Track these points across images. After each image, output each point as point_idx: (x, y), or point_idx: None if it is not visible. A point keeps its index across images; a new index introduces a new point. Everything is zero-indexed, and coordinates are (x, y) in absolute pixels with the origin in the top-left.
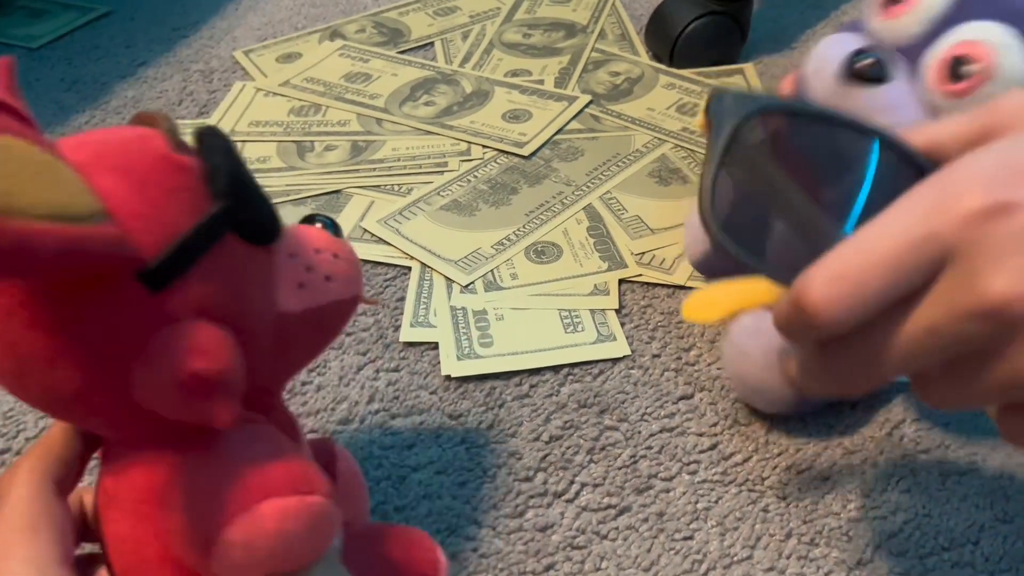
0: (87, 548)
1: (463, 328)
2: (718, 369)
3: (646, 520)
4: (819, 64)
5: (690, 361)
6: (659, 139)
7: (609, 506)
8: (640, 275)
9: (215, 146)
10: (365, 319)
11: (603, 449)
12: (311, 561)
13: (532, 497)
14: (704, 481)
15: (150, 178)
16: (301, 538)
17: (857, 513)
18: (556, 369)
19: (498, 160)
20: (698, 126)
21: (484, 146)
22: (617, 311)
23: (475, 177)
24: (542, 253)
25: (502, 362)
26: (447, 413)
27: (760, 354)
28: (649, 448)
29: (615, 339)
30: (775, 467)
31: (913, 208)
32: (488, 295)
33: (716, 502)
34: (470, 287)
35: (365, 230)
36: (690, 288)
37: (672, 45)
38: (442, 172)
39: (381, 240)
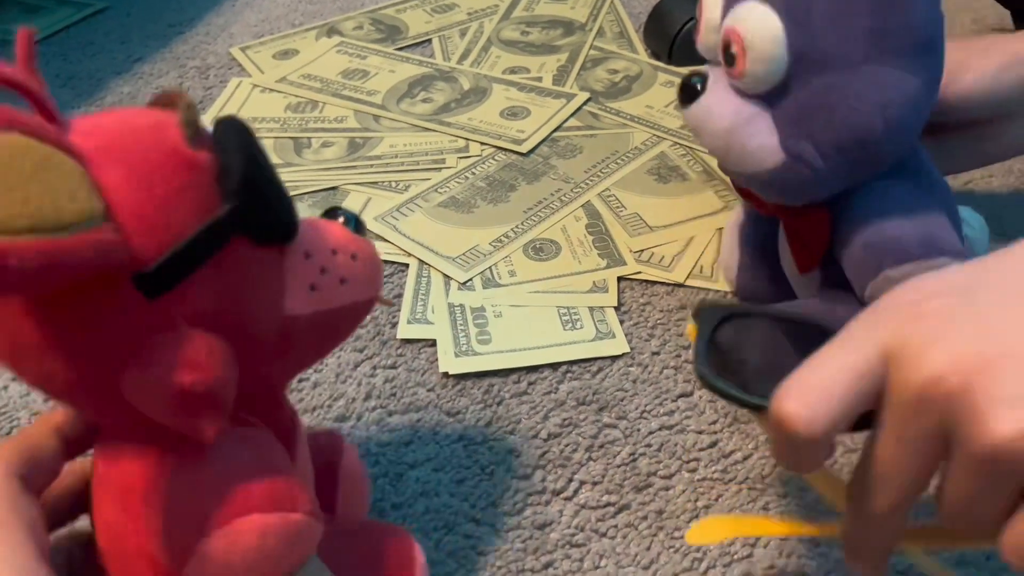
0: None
1: (461, 325)
2: None
3: (645, 518)
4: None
5: (689, 359)
6: (658, 137)
7: (608, 504)
8: (639, 272)
9: (231, 141)
10: None
11: (602, 447)
12: (289, 575)
13: (530, 495)
14: (704, 479)
15: (158, 174)
16: (280, 555)
17: None
18: (555, 366)
19: (496, 157)
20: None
21: (482, 143)
22: (616, 308)
23: (473, 174)
24: (540, 250)
25: (500, 359)
26: (445, 410)
27: None
28: (648, 446)
29: (614, 336)
30: (775, 465)
31: (856, 328)
32: (486, 292)
33: (716, 500)
34: (468, 284)
35: None
36: (689, 287)
37: (671, 43)
38: (440, 169)
39: (378, 237)
